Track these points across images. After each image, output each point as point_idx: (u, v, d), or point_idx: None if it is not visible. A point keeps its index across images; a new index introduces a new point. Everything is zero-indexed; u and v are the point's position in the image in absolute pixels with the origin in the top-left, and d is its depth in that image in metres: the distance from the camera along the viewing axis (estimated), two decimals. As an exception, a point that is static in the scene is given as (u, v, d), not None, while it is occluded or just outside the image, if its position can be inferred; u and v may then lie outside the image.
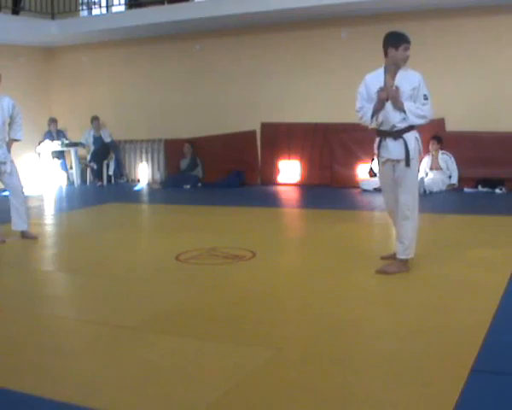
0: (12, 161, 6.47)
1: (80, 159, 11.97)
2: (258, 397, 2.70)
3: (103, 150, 11.69)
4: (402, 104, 4.46)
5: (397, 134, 4.54)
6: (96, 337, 3.53)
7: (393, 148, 4.57)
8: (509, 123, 9.10)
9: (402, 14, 9.22)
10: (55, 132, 12.07)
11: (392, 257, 4.78)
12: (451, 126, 9.49)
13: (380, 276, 4.57)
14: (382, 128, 4.61)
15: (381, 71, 4.60)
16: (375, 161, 8.63)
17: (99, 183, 11.56)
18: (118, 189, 11.31)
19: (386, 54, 4.56)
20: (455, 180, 9.35)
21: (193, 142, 11.23)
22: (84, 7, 11.96)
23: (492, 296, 3.96)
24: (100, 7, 11.97)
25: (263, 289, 4.40)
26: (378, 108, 4.53)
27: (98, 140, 11.81)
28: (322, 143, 10.41)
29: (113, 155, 11.81)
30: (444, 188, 9.29)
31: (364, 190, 9.54)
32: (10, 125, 6.45)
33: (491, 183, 9.09)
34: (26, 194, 6.92)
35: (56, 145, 11.71)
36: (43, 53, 12.59)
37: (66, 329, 3.72)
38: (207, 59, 11.24)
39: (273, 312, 3.95)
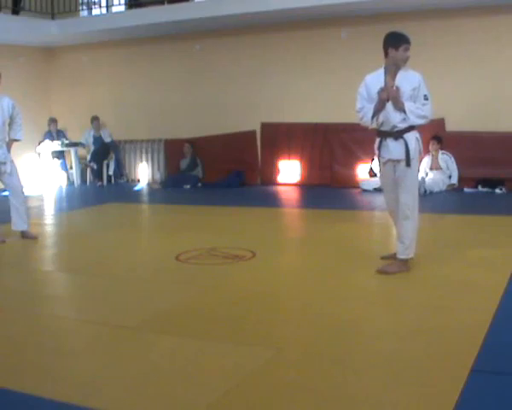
0: (12, 161, 6.47)
1: (80, 159, 11.97)
2: (258, 397, 2.70)
3: (103, 150, 11.69)
4: (402, 104, 4.46)
5: (397, 134, 4.55)
6: (96, 337, 3.53)
7: (394, 148, 4.57)
8: (509, 123, 9.10)
9: (402, 14, 9.22)
10: (55, 132, 12.07)
11: (393, 257, 4.79)
12: (451, 126, 9.49)
13: (380, 276, 4.57)
14: (383, 128, 4.62)
15: (381, 71, 4.61)
16: (375, 161, 8.64)
17: (99, 183, 11.56)
18: (118, 189, 11.31)
19: (386, 54, 4.56)
20: (455, 180, 9.35)
21: (193, 142, 11.23)
22: (84, 7, 11.96)
23: (492, 296, 3.96)
24: (100, 7, 11.97)
25: (263, 289, 4.40)
26: (379, 108, 4.53)
27: (98, 140, 11.81)
28: (322, 143, 10.41)
29: (113, 155, 11.81)
30: (444, 188, 9.29)
31: (364, 190, 9.54)
32: (10, 125, 6.45)
33: (491, 183, 9.09)
34: (26, 194, 6.92)
35: (56, 145, 11.71)
36: (43, 53, 12.59)
37: (66, 329, 3.72)
38: (207, 59, 11.24)
39: (273, 312, 3.95)
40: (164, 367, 3.04)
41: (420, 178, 7.73)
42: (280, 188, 10.47)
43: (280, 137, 10.70)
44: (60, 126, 12.27)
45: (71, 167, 12.02)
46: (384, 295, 4.26)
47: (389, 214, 5.02)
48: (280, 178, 10.82)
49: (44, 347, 3.36)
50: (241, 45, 10.95)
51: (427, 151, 9.19)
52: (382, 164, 4.74)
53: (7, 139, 6.46)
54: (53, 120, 12.17)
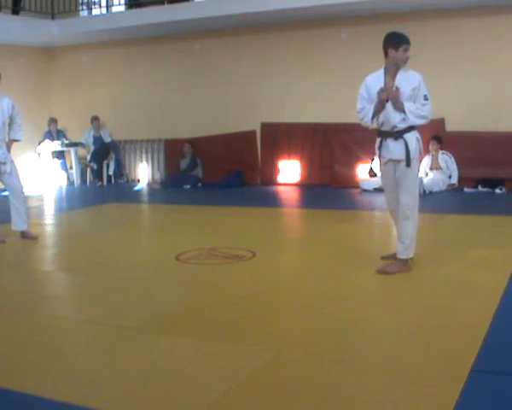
0: (12, 161, 6.47)
1: (80, 159, 11.97)
2: (258, 397, 2.70)
3: (103, 150, 11.69)
4: (402, 105, 4.47)
5: (397, 134, 4.55)
6: (96, 337, 3.53)
7: (394, 148, 4.58)
8: (509, 123, 9.10)
9: (402, 14, 9.22)
10: (55, 132, 12.07)
11: (393, 257, 4.79)
12: (451, 126, 9.49)
13: (380, 276, 4.57)
14: (383, 129, 4.62)
15: (381, 72, 4.61)
16: (376, 160, 8.65)
17: (99, 183, 11.56)
18: (118, 189, 11.31)
19: (386, 54, 4.57)
20: (455, 180, 9.35)
21: (193, 142, 11.23)
22: (84, 7, 11.96)
23: (492, 296, 3.96)
24: (100, 7, 11.97)
25: (263, 289, 4.40)
26: (378, 108, 4.54)
27: (98, 140, 11.81)
28: (322, 143, 10.41)
29: (113, 155, 11.81)
30: (444, 188, 9.29)
31: (364, 190, 9.53)
32: (10, 125, 6.45)
33: (491, 183, 9.09)
34: (26, 194, 6.92)
35: (56, 145, 11.71)
36: (43, 53, 12.59)
37: (66, 329, 3.72)
38: (207, 59, 11.24)
39: (273, 312, 3.95)
40: (164, 367, 3.04)
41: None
42: (280, 188, 10.47)
43: (280, 137, 10.70)
44: (60, 126, 12.26)
45: (71, 167, 12.02)
46: (384, 295, 4.26)
47: (390, 214, 5.02)
48: (280, 178, 10.82)
49: (44, 347, 3.36)
50: (241, 45, 10.95)
51: (427, 151, 9.19)
52: (383, 164, 4.74)
53: (7, 139, 6.46)
54: (53, 120, 12.17)
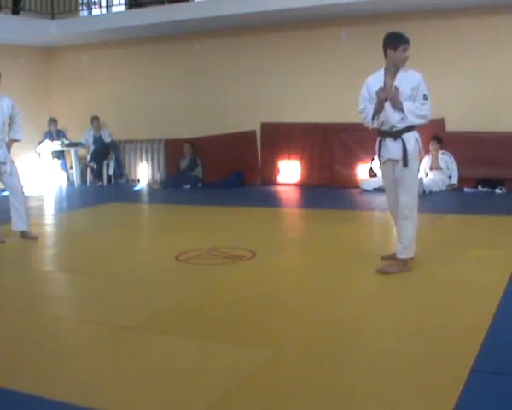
0: (12, 161, 6.47)
1: (80, 159, 11.96)
2: (258, 397, 2.70)
3: (103, 150, 11.69)
4: (401, 104, 4.47)
5: (396, 134, 4.56)
6: (96, 337, 3.53)
7: (393, 148, 4.58)
8: (509, 123, 9.10)
9: (402, 14, 9.22)
10: (55, 132, 12.07)
11: (393, 257, 4.79)
12: (451, 126, 9.49)
13: (380, 276, 4.57)
14: (383, 128, 4.63)
15: (381, 72, 4.63)
16: (376, 160, 8.65)
17: (99, 183, 11.56)
18: (118, 189, 11.31)
19: (385, 55, 4.57)
20: (455, 180, 9.35)
21: (193, 142, 11.23)
22: (84, 7, 11.96)
23: (492, 296, 3.96)
24: (100, 7, 11.97)
25: (263, 289, 4.40)
26: (378, 108, 4.55)
27: (98, 140, 11.81)
28: (322, 143, 10.41)
29: (113, 155, 11.81)
30: (444, 188, 9.29)
31: (364, 190, 9.53)
32: (10, 125, 6.45)
33: (491, 183, 9.09)
34: (26, 194, 6.93)
35: (56, 145, 11.71)
36: (43, 53, 12.59)
37: (66, 329, 3.72)
38: (207, 59, 11.24)
39: (273, 312, 3.94)
40: (164, 367, 3.04)
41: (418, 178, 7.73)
42: (280, 188, 10.47)
43: (280, 137, 10.70)
44: (60, 126, 12.26)
45: (71, 167, 12.02)
46: (384, 295, 4.26)
47: (390, 214, 5.02)
48: (280, 178, 10.81)
49: (44, 347, 3.36)
50: (241, 45, 10.95)
51: (427, 151, 9.19)
52: (382, 164, 4.75)
53: (7, 139, 6.46)
54: (53, 120, 12.17)
